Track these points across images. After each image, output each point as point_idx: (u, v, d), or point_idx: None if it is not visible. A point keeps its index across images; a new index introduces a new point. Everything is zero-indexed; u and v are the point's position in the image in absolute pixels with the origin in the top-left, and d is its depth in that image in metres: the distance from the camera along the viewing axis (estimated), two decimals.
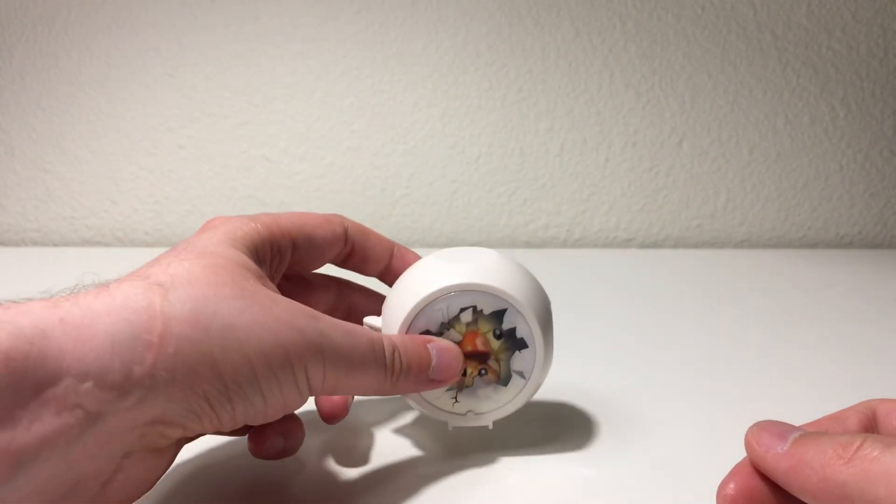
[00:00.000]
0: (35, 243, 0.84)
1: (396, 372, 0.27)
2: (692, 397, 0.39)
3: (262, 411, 0.24)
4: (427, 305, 0.30)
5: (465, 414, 0.31)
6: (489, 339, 0.30)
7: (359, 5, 0.82)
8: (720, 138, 0.87)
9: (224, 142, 0.83)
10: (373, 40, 0.83)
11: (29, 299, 0.21)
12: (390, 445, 0.33)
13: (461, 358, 0.30)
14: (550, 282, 0.37)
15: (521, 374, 0.31)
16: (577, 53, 0.84)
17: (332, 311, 0.34)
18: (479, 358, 0.31)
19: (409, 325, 0.30)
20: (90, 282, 0.24)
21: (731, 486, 0.23)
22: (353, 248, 0.33)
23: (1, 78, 0.81)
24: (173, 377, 0.21)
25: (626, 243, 0.88)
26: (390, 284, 0.34)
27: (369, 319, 0.33)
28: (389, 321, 0.31)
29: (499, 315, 0.30)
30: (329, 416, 0.31)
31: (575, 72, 0.85)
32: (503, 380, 0.31)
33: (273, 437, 0.27)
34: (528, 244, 0.88)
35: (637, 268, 0.75)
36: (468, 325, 0.30)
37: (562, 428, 0.35)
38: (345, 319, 0.35)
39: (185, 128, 0.83)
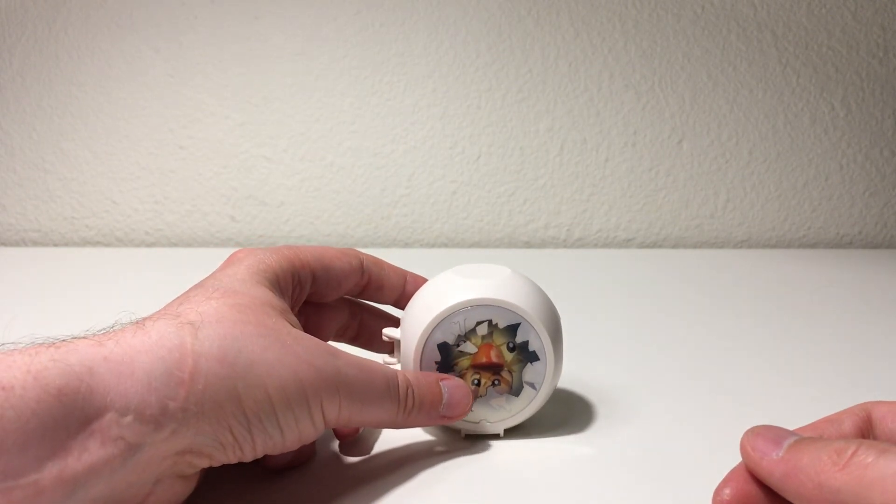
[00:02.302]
0: (35, 243, 0.84)
1: (409, 408, 0.29)
2: (690, 394, 0.39)
3: (280, 443, 0.25)
4: (445, 318, 0.31)
5: (478, 422, 0.33)
6: (503, 352, 0.32)
7: (358, 5, 0.82)
8: (720, 138, 0.87)
9: (224, 142, 0.83)
10: (373, 40, 0.83)
11: (75, 337, 0.23)
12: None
13: (471, 396, 0.32)
14: (550, 282, 0.38)
15: (532, 386, 0.32)
16: (577, 53, 0.84)
17: (344, 330, 0.36)
18: (492, 369, 0.32)
19: (428, 336, 0.31)
20: (127, 320, 0.25)
21: (727, 491, 0.23)
22: (370, 279, 0.35)
23: (1, 78, 0.81)
24: (202, 411, 0.23)
25: (626, 243, 0.89)
26: (404, 309, 0.35)
27: (388, 331, 0.34)
28: (408, 332, 0.32)
29: (513, 329, 0.32)
30: (343, 436, 0.33)
31: (575, 72, 0.85)
32: (515, 390, 0.32)
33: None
34: (528, 244, 0.88)
35: (637, 268, 0.75)
36: (483, 337, 0.32)
37: (562, 416, 0.36)
38: (356, 336, 0.36)
39: (185, 128, 0.83)
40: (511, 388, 0.32)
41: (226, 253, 0.32)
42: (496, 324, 0.32)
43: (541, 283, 0.34)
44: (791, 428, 0.24)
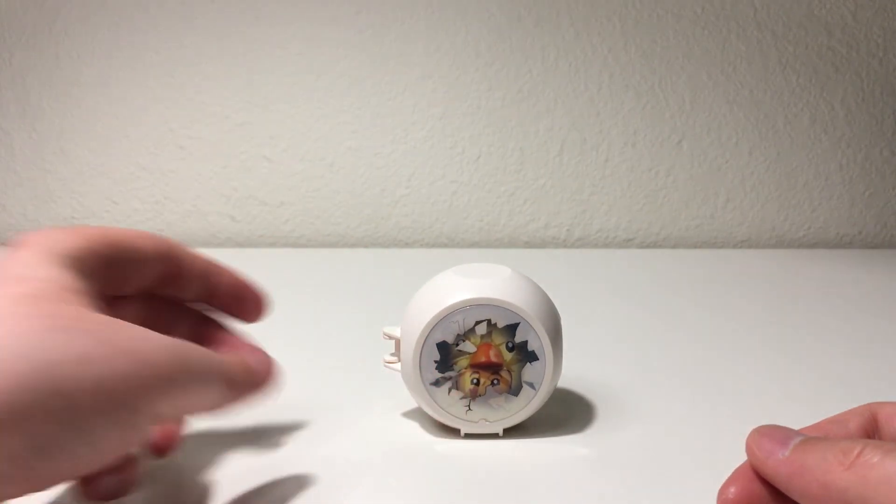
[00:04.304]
0: None
1: (232, 383, 0.26)
2: (691, 395, 0.39)
3: (93, 460, 0.21)
4: (445, 317, 0.31)
5: (477, 422, 0.33)
6: (502, 351, 0.32)
7: (359, 6, 0.82)
8: (720, 138, 0.87)
9: (224, 142, 0.83)
10: (373, 41, 0.83)
11: None
12: (397, 426, 0.35)
13: (271, 359, 0.28)
14: (550, 282, 0.37)
15: (532, 385, 0.32)
16: (577, 53, 0.84)
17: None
18: (491, 369, 0.32)
19: (427, 335, 0.32)
20: None
21: (732, 490, 0.23)
22: (180, 263, 0.30)
23: (1, 78, 0.81)
24: None
25: (626, 243, 0.88)
26: (220, 308, 0.32)
27: (389, 329, 0.34)
28: (408, 331, 0.32)
29: (512, 328, 0.32)
30: (160, 448, 0.29)
31: (575, 72, 0.85)
32: (514, 390, 0.32)
33: (105, 476, 0.25)
34: (528, 244, 0.88)
35: (637, 268, 0.75)
36: (482, 337, 0.32)
37: (562, 416, 0.36)
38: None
39: (185, 128, 0.83)
40: (510, 387, 0.32)
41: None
42: (495, 323, 0.32)
43: (541, 283, 0.34)
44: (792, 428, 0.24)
